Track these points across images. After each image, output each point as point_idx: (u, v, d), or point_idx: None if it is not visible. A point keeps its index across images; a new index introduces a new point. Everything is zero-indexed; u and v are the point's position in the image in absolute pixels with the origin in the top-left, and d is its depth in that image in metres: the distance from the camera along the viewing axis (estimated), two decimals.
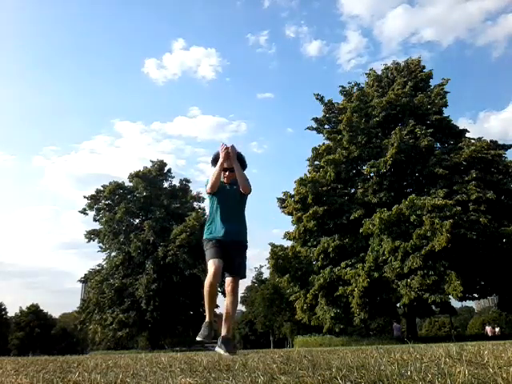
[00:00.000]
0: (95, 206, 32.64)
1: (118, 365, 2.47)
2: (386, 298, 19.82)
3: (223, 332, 3.67)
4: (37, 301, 61.95)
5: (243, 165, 4.02)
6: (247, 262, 3.92)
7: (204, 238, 3.91)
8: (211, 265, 3.62)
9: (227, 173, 3.96)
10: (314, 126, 25.80)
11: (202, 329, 3.74)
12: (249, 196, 4.04)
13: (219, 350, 3.56)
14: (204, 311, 31.04)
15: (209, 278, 3.61)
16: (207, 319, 3.82)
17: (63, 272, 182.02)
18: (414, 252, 18.53)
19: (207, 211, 4.38)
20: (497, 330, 31.39)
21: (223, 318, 3.76)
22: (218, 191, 3.93)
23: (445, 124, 23.53)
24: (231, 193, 3.95)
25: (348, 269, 20.23)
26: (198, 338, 3.70)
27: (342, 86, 26.49)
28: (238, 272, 3.80)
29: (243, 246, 3.93)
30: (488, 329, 31.20)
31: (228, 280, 3.75)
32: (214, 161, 4.03)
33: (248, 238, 4.01)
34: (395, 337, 22.38)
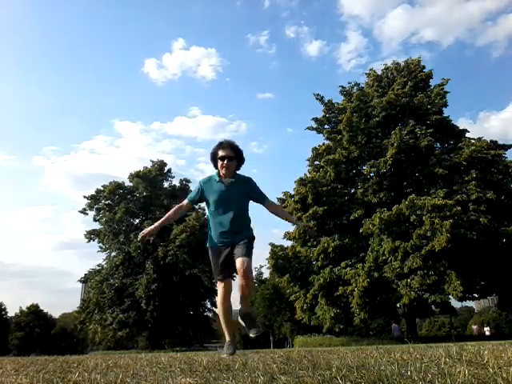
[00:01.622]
0: (95, 206, 32.67)
1: (118, 365, 2.47)
2: (385, 297, 19.81)
3: (241, 307, 3.68)
4: (37, 301, 62.05)
5: (240, 159, 3.78)
6: (253, 259, 3.65)
7: (207, 245, 3.77)
8: (219, 286, 3.64)
9: (225, 161, 3.64)
10: (314, 126, 25.80)
11: (226, 348, 3.58)
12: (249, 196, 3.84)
13: (241, 322, 3.67)
14: (204, 310, 30.70)
15: (219, 300, 3.63)
16: (228, 339, 3.63)
17: (63, 272, 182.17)
18: (414, 252, 18.52)
19: (207, 211, 4.26)
20: (486, 329, 31.27)
21: (239, 299, 3.68)
22: (214, 193, 3.67)
23: (445, 124, 23.53)
24: (231, 196, 3.65)
25: (348, 269, 20.23)
26: (222, 356, 3.42)
27: (342, 86, 26.51)
28: (246, 253, 3.57)
29: (248, 238, 3.69)
30: (475, 328, 31.21)
31: (238, 261, 3.51)
32: (213, 158, 3.78)
33: (253, 233, 3.78)
34: (395, 337, 22.38)
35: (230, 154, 3.67)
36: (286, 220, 4.07)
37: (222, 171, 3.68)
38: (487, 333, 29.17)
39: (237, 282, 3.69)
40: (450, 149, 22.53)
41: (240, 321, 3.72)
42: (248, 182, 3.80)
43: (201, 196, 3.79)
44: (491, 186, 20.22)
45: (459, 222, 18.50)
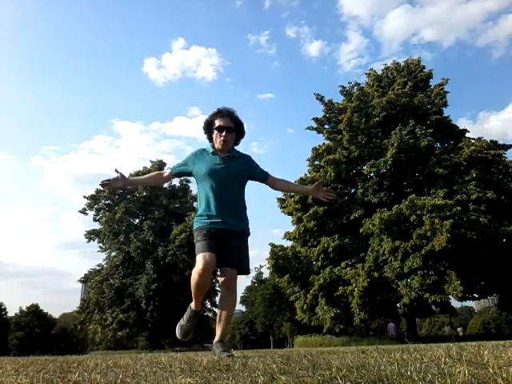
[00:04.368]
0: (95, 206, 32.71)
1: (118, 365, 2.47)
2: (386, 297, 19.84)
3: (217, 336, 2.98)
4: (37, 301, 61.94)
5: (241, 132, 3.22)
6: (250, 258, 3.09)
7: (194, 228, 3.11)
8: (201, 259, 2.88)
9: (224, 133, 3.05)
10: (314, 125, 25.81)
11: (184, 317, 3.09)
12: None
13: (214, 351, 2.94)
14: (204, 310, 30.42)
15: (196, 271, 2.89)
16: (193, 305, 3.07)
17: (63, 272, 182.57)
18: (414, 252, 18.53)
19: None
20: (459, 329, 31.71)
21: (217, 319, 3.04)
22: (207, 167, 3.06)
23: (445, 124, 23.54)
24: (228, 172, 3.06)
25: (348, 269, 20.24)
26: (177, 331, 3.09)
27: (342, 86, 26.54)
28: (236, 263, 2.99)
29: (243, 234, 3.11)
30: (447, 329, 31.57)
31: (224, 272, 2.99)
32: (208, 128, 3.17)
33: (249, 227, 3.21)
34: (394, 336, 22.38)
35: (229, 125, 3.08)
36: (300, 192, 3.63)
37: (219, 145, 3.08)
38: (460, 333, 29.60)
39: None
40: (450, 149, 22.53)
41: (213, 349, 2.97)
42: (249, 158, 3.23)
43: (188, 168, 3.15)
44: (491, 186, 20.23)
45: (459, 222, 18.51)
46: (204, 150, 3.18)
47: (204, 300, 32.60)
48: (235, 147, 3.22)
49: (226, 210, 3.01)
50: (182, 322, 3.12)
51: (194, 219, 3.18)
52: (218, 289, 31.33)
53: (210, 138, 3.18)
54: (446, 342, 13.33)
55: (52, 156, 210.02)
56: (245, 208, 3.19)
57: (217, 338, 2.98)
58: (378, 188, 21.74)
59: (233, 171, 3.06)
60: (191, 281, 2.94)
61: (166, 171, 3.26)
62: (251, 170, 3.19)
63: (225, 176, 3.04)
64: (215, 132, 3.09)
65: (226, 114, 3.11)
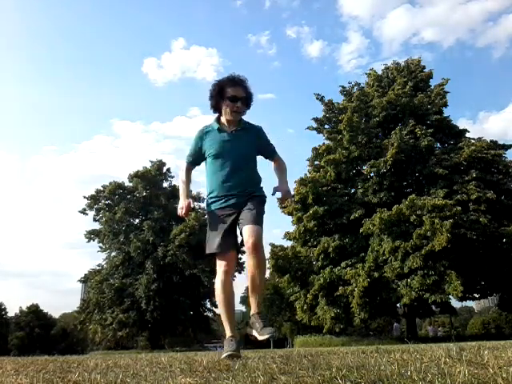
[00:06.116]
0: (95, 206, 32.71)
1: (118, 365, 2.47)
2: (386, 297, 19.82)
3: (253, 308, 2.78)
4: (37, 301, 62.02)
5: (249, 102, 2.94)
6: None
7: (207, 209, 2.96)
8: (219, 263, 2.74)
9: (238, 104, 2.81)
10: (314, 125, 25.78)
11: (227, 345, 2.70)
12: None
13: (253, 325, 2.76)
14: (204, 310, 30.36)
15: (220, 282, 2.72)
16: (229, 334, 2.74)
17: (63, 272, 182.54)
18: (414, 252, 18.53)
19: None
20: (439, 329, 32.18)
21: (249, 288, 2.77)
22: (216, 144, 2.86)
23: (445, 124, 23.52)
24: (239, 147, 2.85)
25: (348, 269, 20.23)
26: (224, 356, 2.62)
27: (343, 86, 26.51)
28: (255, 220, 2.69)
29: (260, 200, 2.87)
30: (430, 329, 31.82)
31: (245, 231, 2.65)
32: (219, 96, 2.84)
33: (264, 193, 2.97)
34: (395, 336, 22.40)
35: (243, 95, 2.83)
36: (279, 180, 3.11)
37: (229, 116, 2.84)
38: (439, 333, 30.03)
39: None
40: (450, 149, 22.52)
41: (252, 330, 2.79)
42: (260, 131, 3.02)
43: (200, 152, 2.94)
44: (491, 186, 20.22)
45: (459, 222, 18.50)
46: (208, 127, 2.96)
47: (204, 300, 32.61)
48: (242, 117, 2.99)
49: (241, 188, 2.80)
50: (226, 349, 2.66)
51: (206, 199, 3.02)
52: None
53: (216, 106, 2.90)
54: (446, 342, 13.33)
55: (52, 156, 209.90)
56: (260, 182, 2.98)
57: (253, 309, 2.75)
58: (378, 188, 21.73)
59: (243, 146, 2.86)
60: (216, 287, 2.74)
61: (184, 166, 3.11)
62: (262, 144, 3.02)
63: (235, 152, 2.82)
64: (227, 102, 2.81)
65: (240, 82, 2.85)
